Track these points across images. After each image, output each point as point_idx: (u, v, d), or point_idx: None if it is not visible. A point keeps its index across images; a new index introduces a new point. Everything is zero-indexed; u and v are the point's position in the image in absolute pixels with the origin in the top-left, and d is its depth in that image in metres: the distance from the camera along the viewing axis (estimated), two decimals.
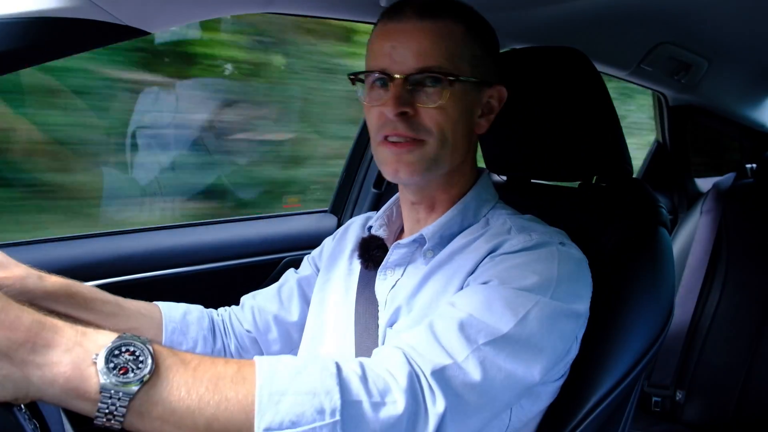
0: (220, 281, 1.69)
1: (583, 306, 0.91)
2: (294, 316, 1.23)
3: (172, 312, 1.17)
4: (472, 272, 0.94)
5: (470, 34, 0.98)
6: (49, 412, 0.80)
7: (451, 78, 0.94)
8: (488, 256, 0.94)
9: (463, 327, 0.80)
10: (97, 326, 0.95)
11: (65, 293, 1.01)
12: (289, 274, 1.30)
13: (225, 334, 1.23)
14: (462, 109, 0.97)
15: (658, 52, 1.83)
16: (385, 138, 0.97)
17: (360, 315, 1.07)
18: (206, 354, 1.13)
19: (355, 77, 1.02)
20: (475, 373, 0.77)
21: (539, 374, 0.83)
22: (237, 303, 1.69)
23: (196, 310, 1.22)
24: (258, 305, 1.25)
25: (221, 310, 1.27)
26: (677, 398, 1.91)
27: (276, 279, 1.74)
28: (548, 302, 0.85)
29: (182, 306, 1.21)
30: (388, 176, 1.00)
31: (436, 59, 0.93)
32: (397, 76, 0.94)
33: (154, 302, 1.19)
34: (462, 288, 0.94)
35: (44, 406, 0.79)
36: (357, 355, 1.03)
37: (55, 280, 1.02)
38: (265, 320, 1.23)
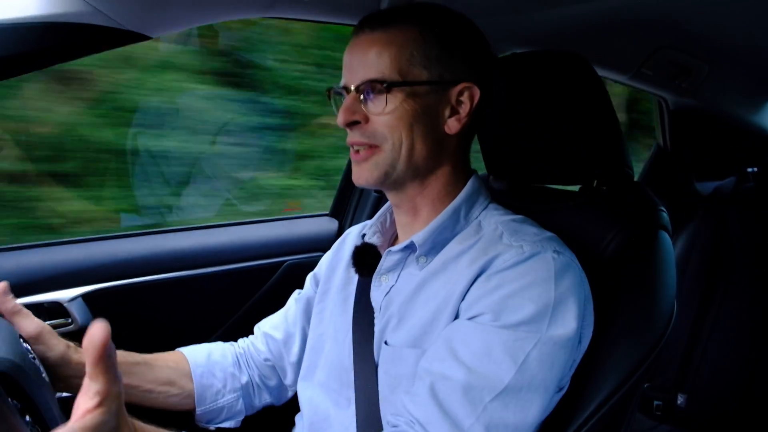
0: (222, 285, 1.69)
1: (577, 323, 0.90)
2: (297, 345, 1.25)
3: (196, 357, 1.20)
4: (466, 292, 0.94)
5: (425, 36, 0.98)
6: (50, 415, 0.80)
7: (389, 84, 0.96)
8: (482, 276, 0.94)
9: (466, 392, 0.85)
10: (133, 387, 1.09)
11: None
12: (294, 298, 1.31)
13: (248, 365, 1.26)
14: (416, 113, 0.98)
15: (658, 57, 1.84)
16: (349, 145, 1.03)
17: (357, 322, 1.08)
18: (236, 389, 1.21)
19: (329, 93, 1.07)
20: None
21: (541, 412, 0.88)
22: (239, 306, 1.70)
23: (218, 348, 1.25)
24: (268, 333, 1.27)
25: (241, 341, 1.30)
26: (678, 402, 1.90)
27: (277, 283, 1.75)
28: (546, 339, 0.87)
29: (205, 347, 1.24)
30: (355, 182, 1.05)
31: (379, 69, 0.97)
32: (351, 87, 0.99)
33: (177, 349, 1.22)
34: (457, 313, 0.94)
35: (46, 410, 0.79)
36: (355, 362, 1.04)
37: None
38: (278, 348, 1.25)
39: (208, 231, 1.77)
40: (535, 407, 0.86)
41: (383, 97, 0.97)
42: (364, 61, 0.98)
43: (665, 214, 1.14)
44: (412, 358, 0.96)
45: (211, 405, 1.18)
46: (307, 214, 2.03)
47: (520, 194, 1.28)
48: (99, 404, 0.62)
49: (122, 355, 1.11)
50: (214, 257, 1.69)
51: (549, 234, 0.99)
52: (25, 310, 1.00)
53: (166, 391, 1.14)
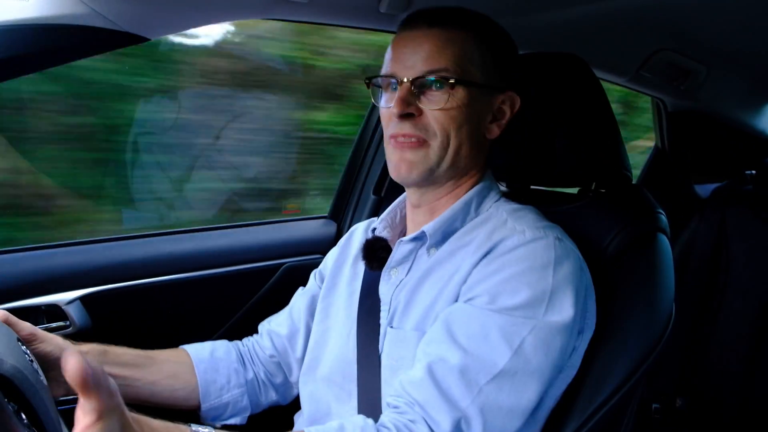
0: (220, 287, 1.68)
1: (574, 310, 0.91)
2: (302, 342, 1.24)
3: (199, 353, 1.21)
4: (468, 275, 0.96)
5: (480, 41, 1.00)
6: (47, 418, 0.80)
7: (456, 80, 0.96)
8: (484, 259, 0.95)
9: (463, 373, 0.87)
10: (136, 379, 1.09)
11: (97, 352, 1.08)
12: (298, 295, 1.31)
13: (253, 362, 1.26)
14: (468, 113, 0.99)
15: (657, 59, 1.84)
16: (393, 138, 1.02)
17: (363, 316, 1.08)
18: (241, 384, 1.20)
19: (369, 81, 1.07)
20: (477, 420, 0.85)
21: (537, 396, 0.89)
22: (237, 309, 1.69)
23: (222, 345, 1.25)
24: (273, 330, 1.27)
25: (245, 340, 1.30)
26: (677, 405, 1.90)
27: (276, 285, 1.75)
28: (542, 325, 0.89)
29: (208, 345, 1.24)
30: (392, 174, 1.04)
31: (442, 62, 0.97)
32: (405, 79, 0.98)
33: (180, 347, 1.23)
34: (457, 297, 0.96)
35: (44, 413, 0.79)
36: (359, 355, 1.04)
37: (87, 345, 1.09)
38: (282, 344, 1.26)
39: (206, 233, 1.77)
40: (529, 392, 0.88)
41: (442, 93, 0.98)
42: (423, 55, 0.98)
43: (663, 217, 1.14)
44: (414, 340, 0.97)
45: (215, 401, 1.18)
46: (306, 216, 2.03)
47: (519, 196, 1.28)
48: (97, 419, 0.64)
49: (126, 350, 1.11)
50: (212, 260, 1.69)
51: (551, 223, 1.01)
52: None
53: (171, 384, 1.14)
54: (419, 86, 0.98)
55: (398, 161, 1.01)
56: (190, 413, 1.18)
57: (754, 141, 2.54)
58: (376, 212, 1.86)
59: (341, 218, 1.99)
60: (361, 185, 1.95)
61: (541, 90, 1.14)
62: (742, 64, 1.97)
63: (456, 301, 0.96)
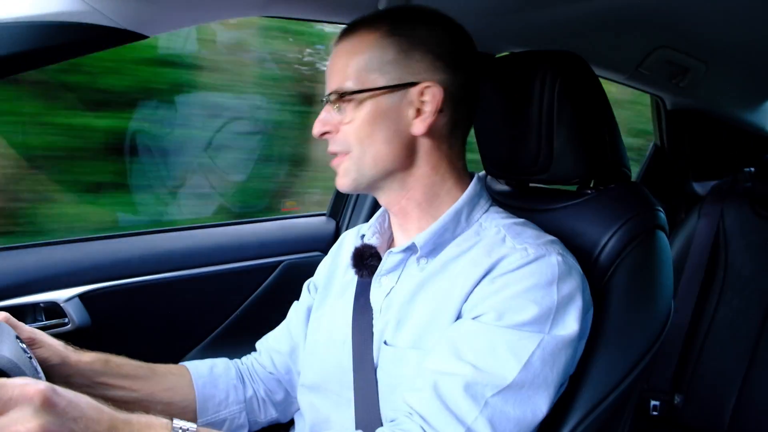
0: (220, 284, 1.69)
1: (578, 326, 0.92)
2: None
3: (199, 368, 1.20)
4: (470, 293, 0.95)
5: (383, 40, 0.99)
6: None
7: (351, 93, 0.99)
8: (486, 277, 0.94)
9: (468, 387, 0.86)
10: (135, 390, 1.08)
11: (101, 362, 1.08)
12: (293, 309, 1.31)
13: (252, 380, 1.25)
14: (376, 119, 0.99)
15: (655, 56, 1.84)
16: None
17: (357, 324, 1.07)
18: (240, 401, 1.20)
19: (322, 101, 1.09)
20: None
21: (546, 408, 0.89)
22: (236, 306, 1.69)
23: (221, 362, 1.25)
24: (273, 348, 1.27)
25: (244, 359, 1.30)
26: (676, 402, 1.90)
27: (275, 282, 1.75)
28: (549, 339, 0.89)
29: (208, 361, 1.24)
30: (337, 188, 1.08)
31: (342, 76, 1.00)
32: (323, 99, 1.04)
33: (180, 363, 1.22)
34: (459, 313, 0.95)
35: None
36: (354, 363, 1.04)
37: (90, 353, 1.09)
38: (284, 362, 1.25)
39: (206, 231, 1.77)
40: (535, 404, 0.88)
41: (346, 106, 1.00)
42: (333, 72, 1.02)
43: (662, 214, 1.14)
44: (413, 359, 0.96)
45: (213, 416, 1.17)
46: (305, 214, 2.03)
47: (517, 194, 1.28)
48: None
49: (127, 362, 1.11)
50: (212, 257, 1.69)
51: (551, 237, 1.00)
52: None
53: (169, 397, 1.13)
54: (334, 103, 1.01)
55: (336, 176, 1.06)
56: None
57: (753, 138, 2.55)
58: (374, 210, 1.86)
59: (340, 216, 1.99)
60: None
61: (540, 87, 1.14)
62: (740, 62, 1.97)
63: (458, 319, 0.95)
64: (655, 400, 1.90)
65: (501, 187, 1.33)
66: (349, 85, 0.99)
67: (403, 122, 1.00)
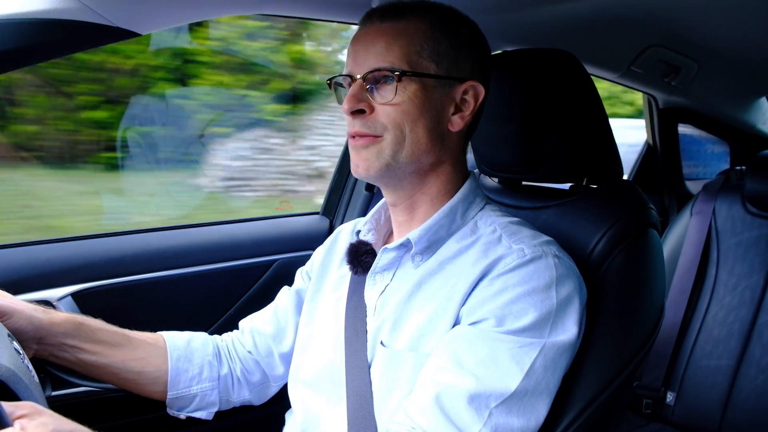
0: (213, 283, 1.68)
1: (578, 328, 0.93)
2: (291, 338, 1.24)
3: (176, 340, 1.20)
4: (468, 295, 0.95)
5: (435, 31, 0.99)
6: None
7: (404, 73, 0.95)
8: (484, 279, 0.94)
9: (472, 399, 0.86)
10: (107, 356, 1.08)
11: (73, 325, 1.08)
12: (283, 293, 1.30)
13: (230, 358, 1.24)
14: (423, 106, 0.98)
15: (648, 55, 1.85)
16: (350, 136, 1.02)
17: (350, 320, 1.07)
18: (213, 378, 1.19)
19: (330, 82, 1.07)
20: None
21: (546, 412, 0.90)
22: (229, 305, 1.68)
23: (200, 337, 1.24)
24: (256, 328, 1.26)
25: (225, 335, 1.29)
26: (667, 400, 1.91)
27: (269, 281, 1.75)
28: (550, 345, 0.90)
29: (186, 334, 1.23)
30: (353, 172, 1.03)
31: (389, 58, 0.96)
32: (357, 76, 0.98)
33: (158, 332, 1.21)
34: (458, 316, 0.95)
35: (23, 391, 0.79)
36: (347, 360, 1.04)
37: (62, 314, 1.08)
38: (266, 344, 1.24)
39: (199, 229, 1.76)
40: (537, 411, 0.89)
41: (392, 87, 0.96)
42: (373, 51, 0.97)
43: (654, 212, 1.14)
44: (410, 361, 0.96)
45: (184, 390, 1.17)
46: (298, 212, 2.03)
47: (510, 192, 1.28)
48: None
49: (103, 327, 1.12)
50: (205, 255, 1.69)
51: (547, 238, 1.00)
52: None
53: (141, 366, 1.13)
54: (372, 82, 0.98)
55: (356, 160, 1.01)
56: (157, 402, 1.18)
57: (744, 136, 2.56)
58: (367, 209, 1.86)
59: (334, 214, 1.99)
60: (353, 182, 1.95)
61: (532, 85, 1.14)
62: (731, 60, 1.98)
63: (456, 322, 0.95)
64: (647, 397, 1.91)
65: (494, 185, 1.33)
66: (401, 66, 0.96)
67: (444, 115, 1.01)
